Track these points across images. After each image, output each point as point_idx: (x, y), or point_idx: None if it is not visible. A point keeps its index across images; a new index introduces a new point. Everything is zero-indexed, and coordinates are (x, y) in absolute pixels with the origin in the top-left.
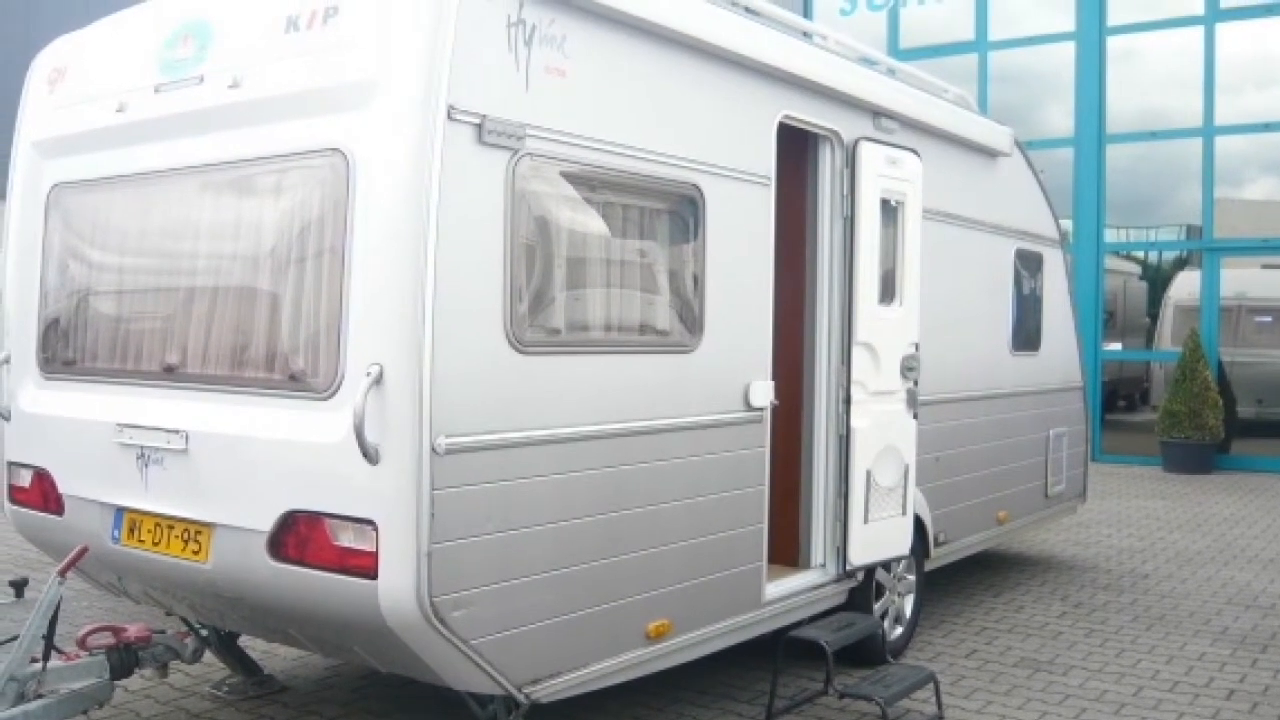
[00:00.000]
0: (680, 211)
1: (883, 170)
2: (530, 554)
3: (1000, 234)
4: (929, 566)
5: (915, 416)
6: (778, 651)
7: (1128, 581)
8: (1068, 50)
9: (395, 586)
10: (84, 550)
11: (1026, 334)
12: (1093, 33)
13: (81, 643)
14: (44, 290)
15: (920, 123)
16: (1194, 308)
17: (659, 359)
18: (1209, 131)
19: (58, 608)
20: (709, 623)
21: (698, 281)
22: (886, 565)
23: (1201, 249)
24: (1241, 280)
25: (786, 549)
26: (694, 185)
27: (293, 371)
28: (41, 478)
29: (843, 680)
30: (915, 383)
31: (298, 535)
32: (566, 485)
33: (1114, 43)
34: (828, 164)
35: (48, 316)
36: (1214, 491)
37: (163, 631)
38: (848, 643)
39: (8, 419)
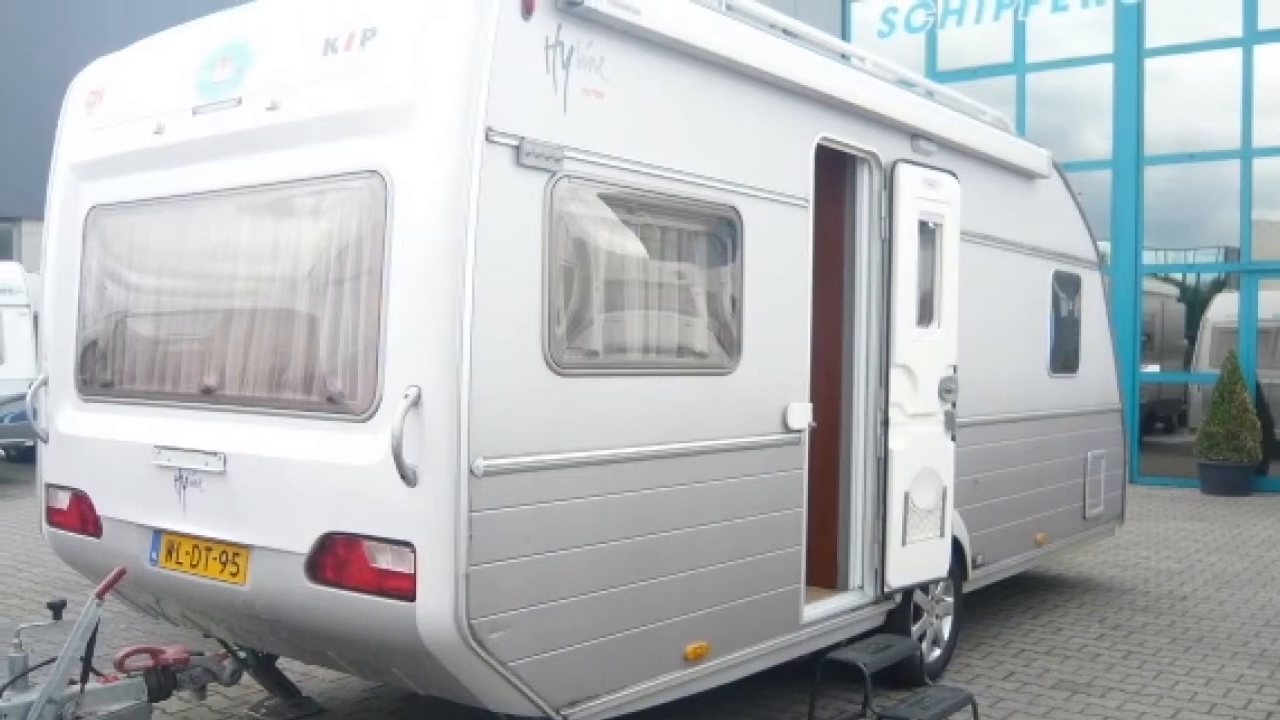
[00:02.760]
0: (718, 233)
1: (921, 192)
2: (568, 576)
3: (1038, 256)
4: (967, 588)
5: (953, 438)
6: (816, 673)
7: (1166, 603)
8: (1106, 72)
9: (433, 609)
10: (122, 572)
11: (1064, 356)
12: (1131, 55)
13: (119, 664)
14: (81, 312)
15: (958, 145)
16: (1232, 329)
17: (697, 381)
18: (1247, 153)
19: (96, 629)
20: (747, 645)
21: (735, 303)
22: (924, 587)
23: (1239, 271)
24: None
25: (824, 571)
26: (732, 207)
27: (331, 393)
28: (79, 500)
29: (881, 702)
30: (953, 405)
31: (336, 557)
32: (604, 507)
33: (1152, 64)
34: (866, 186)
35: (85, 338)
36: (1252, 513)
37: (201, 653)
38: (886, 665)
39: (46, 441)
